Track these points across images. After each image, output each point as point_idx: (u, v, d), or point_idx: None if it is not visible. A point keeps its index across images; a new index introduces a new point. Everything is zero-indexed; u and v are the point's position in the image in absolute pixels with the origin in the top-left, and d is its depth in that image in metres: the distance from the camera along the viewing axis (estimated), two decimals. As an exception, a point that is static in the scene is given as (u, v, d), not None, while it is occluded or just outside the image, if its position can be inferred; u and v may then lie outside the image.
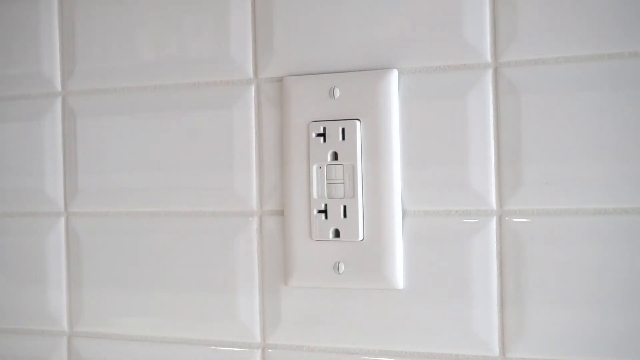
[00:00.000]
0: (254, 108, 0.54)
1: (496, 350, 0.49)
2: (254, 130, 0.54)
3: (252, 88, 0.54)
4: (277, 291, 0.54)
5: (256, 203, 0.54)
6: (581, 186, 0.46)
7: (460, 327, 0.49)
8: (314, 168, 0.51)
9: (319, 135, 0.51)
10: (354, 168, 0.50)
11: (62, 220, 0.60)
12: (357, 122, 0.50)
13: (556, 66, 0.47)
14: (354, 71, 0.51)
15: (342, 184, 0.50)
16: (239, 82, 0.55)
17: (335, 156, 0.51)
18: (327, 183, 0.51)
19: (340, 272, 0.51)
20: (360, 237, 0.50)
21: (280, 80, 0.53)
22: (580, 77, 0.46)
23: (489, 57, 0.48)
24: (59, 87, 0.60)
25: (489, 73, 0.48)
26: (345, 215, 0.50)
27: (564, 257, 0.47)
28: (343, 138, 0.51)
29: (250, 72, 0.54)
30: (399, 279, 0.50)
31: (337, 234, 0.51)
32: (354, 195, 0.50)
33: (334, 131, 0.51)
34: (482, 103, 0.48)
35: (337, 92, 0.51)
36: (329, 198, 0.51)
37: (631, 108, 0.45)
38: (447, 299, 0.49)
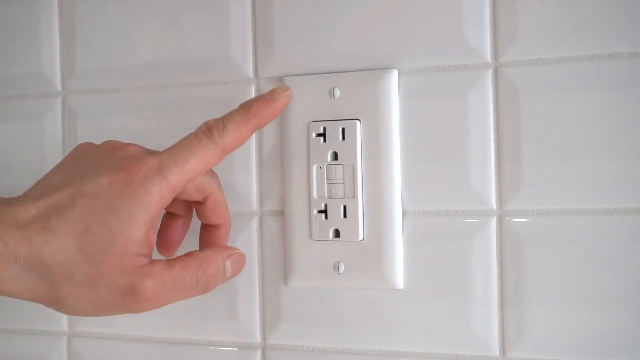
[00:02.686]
0: (254, 108, 0.54)
1: (496, 351, 0.49)
2: (254, 130, 0.54)
3: (252, 88, 0.54)
4: (277, 291, 0.54)
5: (256, 203, 0.54)
6: (581, 186, 0.46)
7: (460, 327, 0.49)
8: (314, 168, 0.51)
9: (319, 135, 0.51)
10: (354, 168, 0.50)
11: (62, 220, 0.60)
12: (357, 122, 0.50)
13: (556, 66, 0.47)
14: (354, 71, 0.51)
15: (342, 184, 0.50)
16: (239, 82, 0.55)
17: (335, 156, 0.51)
18: (327, 183, 0.51)
19: (340, 272, 0.51)
20: (360, 237, 0.50)
21: (280, 80, 0.53)
22: (580, 77, 0.46)
23: (489, 57, 0.48)
24: (59, 87, 0.60)
25: (489, 73, 0.48)
26: (345, 215, 0.50)
27: (564, 257, 0.47)
28: (343, 138, 0.51)
29: (250, 72, 0.54)
30: (399, 279, 0.50)
31: (337, 234, 0.51)
32: (354, 195, 0.50)
33: (334, 131, 0.51)
34: (482, 103, 0.48)
35: (337, 92, 0.51)
36: (329, 198, 0.51)
37: (631, 108, 0.45)
38: (447, 299, 0.49)
